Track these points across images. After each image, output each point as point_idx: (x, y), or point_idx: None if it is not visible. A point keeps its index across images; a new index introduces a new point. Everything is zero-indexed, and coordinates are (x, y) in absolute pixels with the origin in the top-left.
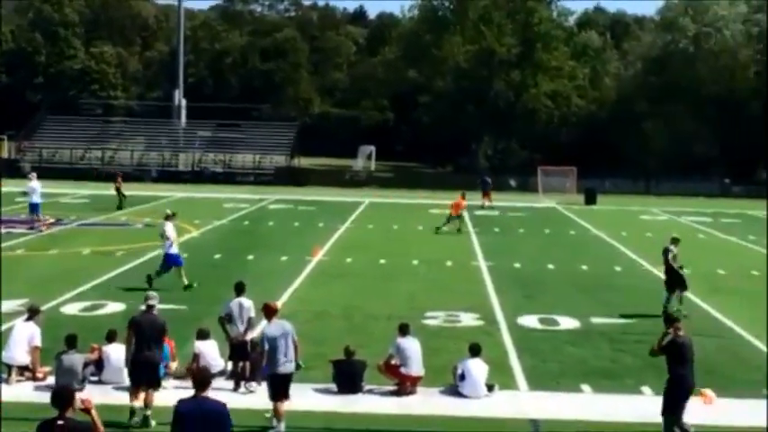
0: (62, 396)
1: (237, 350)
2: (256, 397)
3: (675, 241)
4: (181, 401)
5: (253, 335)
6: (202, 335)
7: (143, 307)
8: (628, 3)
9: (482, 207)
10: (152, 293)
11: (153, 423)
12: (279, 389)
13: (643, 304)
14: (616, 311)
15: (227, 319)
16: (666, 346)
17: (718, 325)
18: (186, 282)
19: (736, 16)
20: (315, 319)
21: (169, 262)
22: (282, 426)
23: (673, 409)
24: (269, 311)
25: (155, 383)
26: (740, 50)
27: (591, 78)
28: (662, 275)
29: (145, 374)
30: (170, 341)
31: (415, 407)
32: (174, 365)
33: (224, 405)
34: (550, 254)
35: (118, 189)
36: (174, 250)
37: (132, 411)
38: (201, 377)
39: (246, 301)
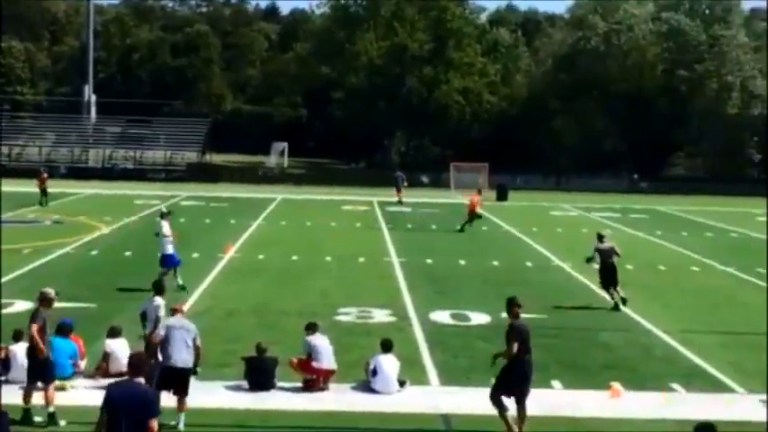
0: None
1: (148, 349)
2: (165, 394)
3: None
4: (112, 384)
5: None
6: (113, 333)
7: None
8: (539, 2)
9: (399, 203)
10: (45, 289)
11: (63, 423)
12: (166, 383)
13: (553, 299)
14: (526, 307)
15: (144, 317)
16: (507, 332)
17: (626, 319)
18: (180, 282)
19: (645, 15)
20: (227, 316)
21: (167, 262)
22: (182, 418)
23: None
24: (173, 311)
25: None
26: (649, 48)
27: (502, 75)
28: (574, 272)
29: (38, 372)
30: (78, 339)
31: (327, 403)
32: (82, 364)
33: (154, 392)
34: (462, 250)
35: (42, 187)
36: (170, 250)
37: (26, 411)
38: (137, 361)
39: (157, 300)
